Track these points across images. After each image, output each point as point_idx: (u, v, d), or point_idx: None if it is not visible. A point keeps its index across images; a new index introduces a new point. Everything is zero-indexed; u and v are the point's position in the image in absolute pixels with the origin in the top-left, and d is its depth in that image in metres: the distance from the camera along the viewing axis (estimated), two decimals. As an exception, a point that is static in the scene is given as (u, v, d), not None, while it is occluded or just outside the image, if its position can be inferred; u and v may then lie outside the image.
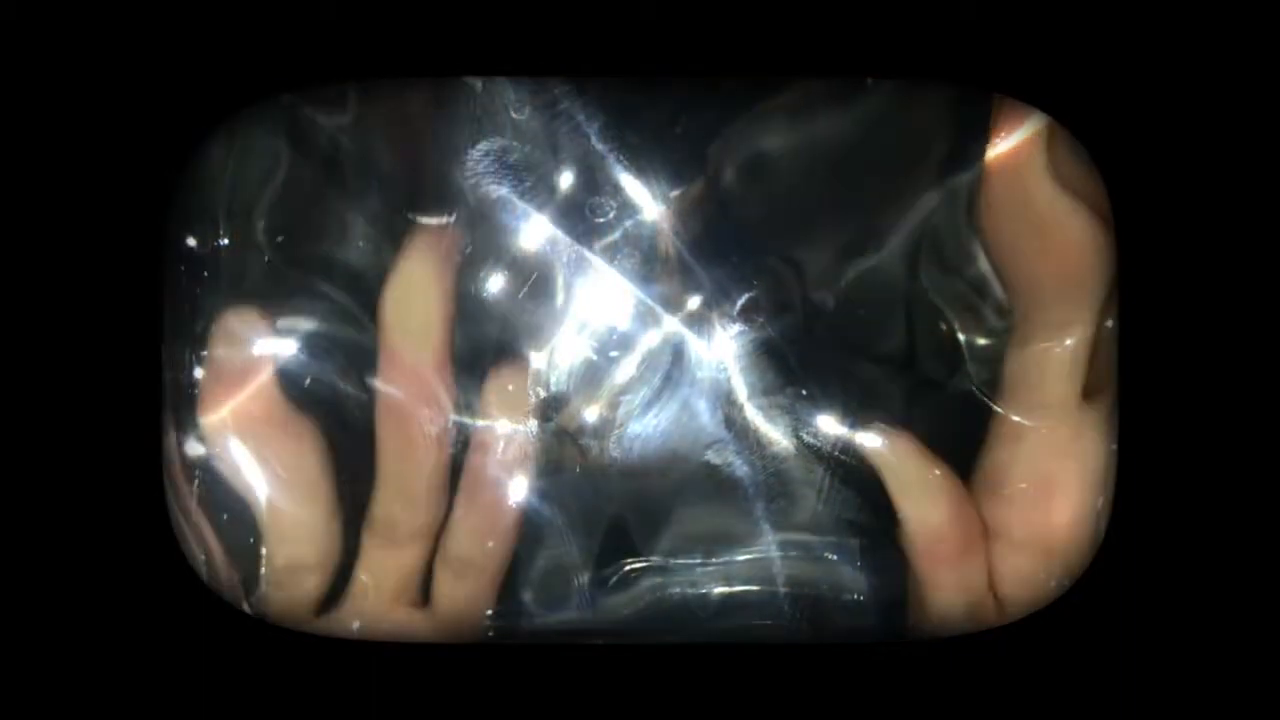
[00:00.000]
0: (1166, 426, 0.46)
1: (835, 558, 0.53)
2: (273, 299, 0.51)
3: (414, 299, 0.47)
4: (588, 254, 0.50)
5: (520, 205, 0.49)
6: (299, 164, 0.50)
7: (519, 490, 0.51)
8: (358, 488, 0.51)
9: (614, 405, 0.51)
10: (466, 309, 0.50)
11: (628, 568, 0.53)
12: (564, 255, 0.50)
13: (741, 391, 0.52)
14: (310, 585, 0.51)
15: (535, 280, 0.50)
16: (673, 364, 0.51)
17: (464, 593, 0.50)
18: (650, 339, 0.51)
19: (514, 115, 0.49)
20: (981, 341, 0.51)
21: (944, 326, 0.52)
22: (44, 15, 0.45)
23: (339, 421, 0.51)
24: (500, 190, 0.49)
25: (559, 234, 0.50)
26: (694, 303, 0.51)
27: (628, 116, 0.49)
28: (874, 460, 0.49)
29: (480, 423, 0.50)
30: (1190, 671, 0.46)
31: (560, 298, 0.50)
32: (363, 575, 0.50)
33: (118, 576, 0.47)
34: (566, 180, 0.49)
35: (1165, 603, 0.46)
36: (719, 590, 0.53)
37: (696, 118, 0.50)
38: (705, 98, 0.50)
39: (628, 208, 0.50)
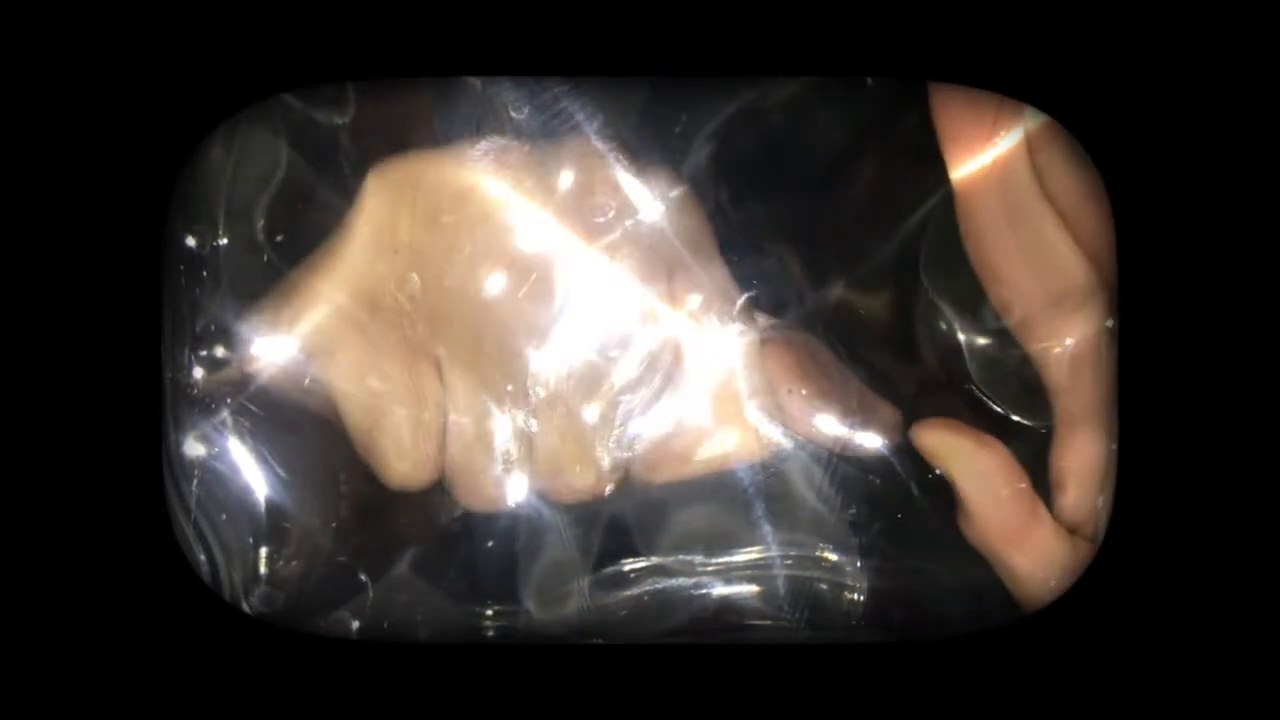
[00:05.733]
0: (1166, 426, 0.46)
1: (835, 558, 0.53)
2: (273, 299, 0.50)
3: None
4: (587, 254, 0.50)
5: (520, 205, 0.49)
6: (299, 164, 0.50)
7: (519, 490, 0.51)
8: (357, 487, 0.51)
9: (614, 405, 0.51)
10: (467, 309, 0.50)
11: (627, 568, 0.53)
12: (564, 255, 0.50)
13: (742, 391, 0.51)
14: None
15: (535, 280, 0.50)
16: (673, 364, 0.51)
17: None
18: (650, 339, 0.51)
19: (514, 115, 0.49)
20: (981, 341, 0.51)
21: (944, 326, 0.52)
22: (44, 15, 0.45)
23: (339, 421, 0.51)
24: (500, 190, 0.49)
25: (559, 234, 0.49)
26: (694, 303, 0.51)
27: (627, 116, 0.49)
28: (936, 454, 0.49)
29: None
30: (1190, 671, 0.46)
31: (560, 298, 0.50)
32: None
33: (118, 576, 0.46)
34: (566, 180, 0.49)
35: (1165, 602, 0.46)
36: (719, 590, 0.53)
37: (696, 118, 0.50)
38: (705, 97, 0.50)
39: (627, 208, 0.50)
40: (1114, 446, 0.47)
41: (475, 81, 0.49)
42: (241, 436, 0.51)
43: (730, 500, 0.52)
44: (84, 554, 0.46)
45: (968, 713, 0.48)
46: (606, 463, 0.51)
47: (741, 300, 0.51)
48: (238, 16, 0.46)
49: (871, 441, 0.51)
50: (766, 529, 0.52)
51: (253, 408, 0.50)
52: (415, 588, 0.53)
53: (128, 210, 0.46)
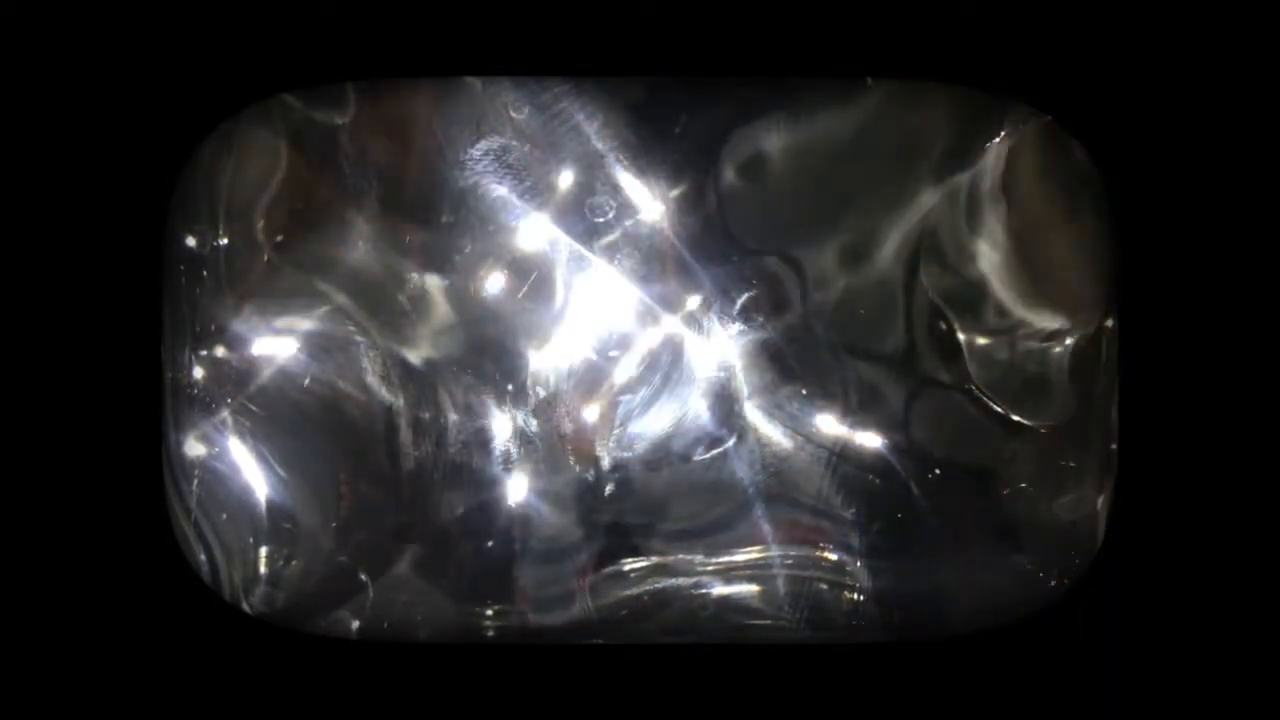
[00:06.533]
0: (1166, 426, 0.46)
1: (835, 558, 0.53)
2: (273, 299, 0.51)
3: None
4: (588, 254, 0.50)
5: (520, 205, 0.49)
6: (299, 164, 0.50)
7: (519, 490, 0.51)
8: (357, 487, 0.51)
9: (614, 405, 0.51)
10: (467, 309, 0.50)
11: (627, 568, 0.53)
12: (564, 255, 0.50)
13: (741, 391, 0.52)
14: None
15: (535, 280, 0.50)
16: (672, 364, 0.51)
17: None
18: (650, 339, 0.51)
19: (514, 115, 0.49)
20: (981, 341, 0.51)
21: (944, 326, 0.52)
22: (44, 15, 0.45)
23: (339, 421, 0.51)
24: (500, 190, 0.49)
25: (559, 234, 0.50)
26: (694, 303, 0.51)
27: (627, 116, 0.49)
28: None
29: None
30: (1190, 672, 0.46)
31: (560, 298, 0.50)
32: None
33: (118, 576, 0.46)
34: (566, 180, 0.49)
35: (1165, 603, 0.46)
36: (719, 590, 0.53)
37: (696, 118, 0.50)
38: (705, 98, 0.50)
39: (628, 208, 0.50)
40: (1114, 446, 0.47)
41: (475, 81, 0.49)
42: (241, 436, 0.51)
43: (730, 500, 0.52)
44: (84, 554, 0.46)
45: (968, 713, 0.48)
46: (606, 462, 0.51)
47: (741, 300, 0.51)
48: (237, 16, 0.45)
49: (871, 441, 0.51)
50: (766, 529, 0.52)
51: (253, 408, 0.50)
52: (415, 588, 0.53)
53: (128, 210, 0.46)
